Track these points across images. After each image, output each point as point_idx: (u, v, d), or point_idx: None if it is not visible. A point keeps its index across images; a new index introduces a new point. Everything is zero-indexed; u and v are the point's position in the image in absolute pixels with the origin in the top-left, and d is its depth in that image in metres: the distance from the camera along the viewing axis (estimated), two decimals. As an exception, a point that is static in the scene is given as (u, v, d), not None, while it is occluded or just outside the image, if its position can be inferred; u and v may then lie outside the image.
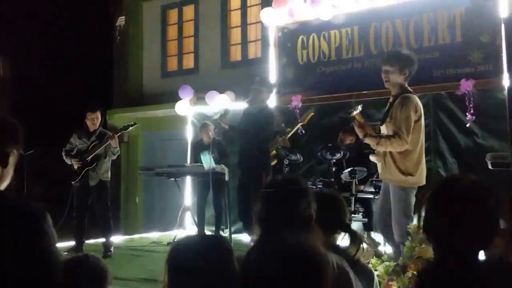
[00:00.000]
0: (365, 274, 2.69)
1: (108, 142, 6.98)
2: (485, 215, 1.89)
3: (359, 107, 5.07)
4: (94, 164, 7.02)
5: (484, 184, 2.01)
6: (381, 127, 5.00)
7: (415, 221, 4.67)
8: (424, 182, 4.96)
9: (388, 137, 4.74)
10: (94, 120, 7.11)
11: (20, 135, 1.81)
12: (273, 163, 7.36)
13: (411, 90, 4.94)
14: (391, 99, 4.99)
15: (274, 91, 6.96)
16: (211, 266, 1.97)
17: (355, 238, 2.70)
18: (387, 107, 5.01)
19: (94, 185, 7.07)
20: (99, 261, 2.47)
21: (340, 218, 2.77)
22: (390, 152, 4.83)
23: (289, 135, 7.48)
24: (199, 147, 8.18)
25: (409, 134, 4.70)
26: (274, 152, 7.37)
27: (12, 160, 1.76)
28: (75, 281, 2.19)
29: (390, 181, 4.88)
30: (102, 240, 7.23)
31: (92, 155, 6.99)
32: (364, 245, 2.84)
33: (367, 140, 4.89)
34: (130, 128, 7.40)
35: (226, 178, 6.91)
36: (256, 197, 2.50)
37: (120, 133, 7.24)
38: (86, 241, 7.35)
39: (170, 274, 2.01)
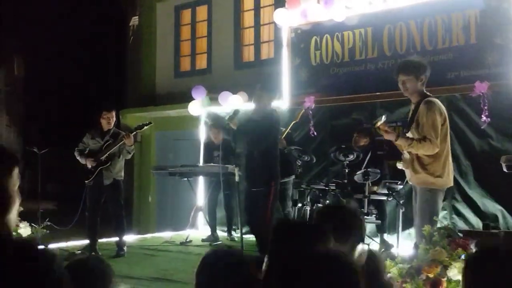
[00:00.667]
0: None
1: (122, 142, 7.01)
2: None
3: (383, 117, 5.08)
4: (109, 163, 7.05)
5: None
6: (406, 134, 5.00)
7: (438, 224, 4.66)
8: (451, 184, 5.01)
9: (419, 140, 4.76)
10: (109, 120, 7.15)
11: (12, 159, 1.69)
12: None
13: (431, 94, 4.95)
14: (412, 106, 5.01)
15: (277, 95, 6.84)
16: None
17: (375, 261, 2.66)
18: (410, 114, 5.02)
19: (108, 184, 7.11)
20: (102, 262, 2.47)
21: (361, 237, 2.72)
22: (418, 157, 4.86)
23: (284, 134, 7.44)
24: (209, 147, 8.21)
25: (438, 138, 4.74)
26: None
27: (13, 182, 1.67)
28: (78, 283, 2.20)
29: (419, 184, 4.90)
30: (115, 239, 7.26)
31: (106, 154, 7.03)
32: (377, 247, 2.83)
33: (399, 142, 4.88)
34: (145, 127, 7.42)
35: (236, 178, 6.87)
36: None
37: (135, 132, 7.27)
38: (99, 240, 7.39)
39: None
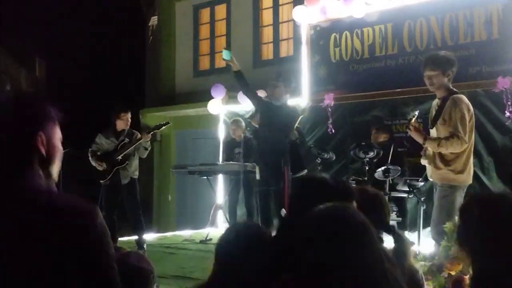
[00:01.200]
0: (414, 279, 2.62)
1: (139, 142, 7.08)
2: None
3: (417, 113, 5.02)
4: (125, 163, 7.11)
5: None
6: (431, 130, 4.93)
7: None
8: (471, 181, 4.95)
9: (447, 138, 4.70)
10: (128, 121, 7.24)
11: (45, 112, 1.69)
12: None
13: (457, 90, 4.88)
14: (438, 102, 4.94)
15: (293, 87, 6.98)
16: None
17: (401, 241, 2.63)
18: (435, 110, 4.95)
19: (126, 183, 7.16)
20: (142, 258, 2.47)
21: (384, 219, 2.70)
22: (440, 153, 4.80)
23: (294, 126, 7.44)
24: (230, 144, 8.22)
25: (466, 133, 4.69)
26: None
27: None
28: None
29: (440, 180, 4.85)
30: (135, 237, 7.30)
31: (123, 154, 7.08)
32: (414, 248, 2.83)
33: (427, 144, 4.81)
34: (163, 127, 7.48)
35: (257, 176, 6.89)
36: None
37: (153, 132, 7.32)
38: (119, 239, 7.44)
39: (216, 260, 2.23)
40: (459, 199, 4.83)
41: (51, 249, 1.44)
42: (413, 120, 4.90)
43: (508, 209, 1.92)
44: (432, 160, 4.89)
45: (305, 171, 7.51)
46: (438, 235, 4.61)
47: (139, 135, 7.20)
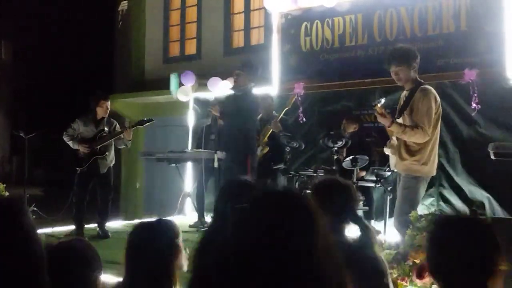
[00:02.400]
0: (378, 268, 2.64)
1: (119, 136, 7.09)
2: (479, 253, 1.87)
3: (383, 100, 5.04)
4: (105, 154, 7.09)
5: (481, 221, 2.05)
6: (397, 119, 4.97)
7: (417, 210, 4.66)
8: (434, 173, 5.00)
9: (412, 127, 4.74)
10: (107, 108, 7.21)
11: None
12: (265, 150, 7.35)
13: (424, 82, 4.92)
14: (405, 93, 4.97)
15: (258, 74, 6.90)
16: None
17: (367, 231, 2.64)
18: (402, 100, 4.98)
19: (104, 172, 7.15)
20: (88, 246, 2.45)
21: (351, 207, 2.72)
22: (405, 143, 4.85)
23: (278, 118, 7.44)
24: (208, 129, 8.07)
25: (430, 126, 4.73)
26: (265, 140, 7.37)
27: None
28: (62, 266, 2.17)
29: (404, 171, 4.89)
30: (99, 222, 7.23)
31: (102, 144, 7.05)
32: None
33: (392, 127, 4.81)
34: (147, 124, 7.44)
35: (215, 164, 6.85)
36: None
37: (135, 127, 7.28)
38: (86, 226, 7.38)
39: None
40: (422, 190, 4.90)
41: None
42: (378, 106, 4.92)
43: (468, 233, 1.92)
44: (397, 150, 4.93)
45: (282, 164, 7.51)
46: (401, 225, 4.67)
47: (118, 126, 7.17)
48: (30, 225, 1.57)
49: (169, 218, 8.01)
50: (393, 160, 5.09)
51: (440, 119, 4.93)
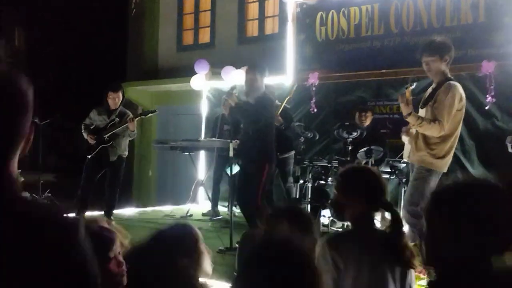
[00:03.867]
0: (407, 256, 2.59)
1: (126, 124, 7.12)
2: (491, 218, 1.62)
3: (414, 84, 5.01)
4: (110, 143, 7.15)
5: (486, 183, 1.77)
6: (420, 109, 4.94)
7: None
8: (446, 170, 4.95)
9: (429, 121, 4.72)
10: (115, 100, 7.29)
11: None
12: None
13: (453, 78, 4.88)
14: (434, 85, 4.93)
15: (267, 73, 6.60)
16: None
17: (398, 221, 2.61)
18: (429, 92, 4.95)
19: (114, 160, 7.21)
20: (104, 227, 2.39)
21: (382, 195, 2.69)
22: (424, 135, 4.82)
23: (279, 111, 7.33)
24: (222, 120, 7.99)
25: (448, 122, 4.70)
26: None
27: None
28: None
29: (418, 162, 4.86)
30: (105, 211, 7.23)
31: (110, 133, 7.14)
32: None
33: (409, 119, 4.80)
34: (150, 114, 7.62)
35: (230, 153, 6.72)
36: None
37: (138, 118, 7.35)
38: (87, 213, 7.42)
39: None
40: (433, 183, 4.84)
41: (26, 269, 1.26)
42: (409, 89, 4.87)
43: (482, 200, 1.68)
44: (414, 139, 4.91)
45: (292, 152, 7.48)
46: (409, 215, 4.66)
47: (130, 116, 7.21)
48: (86, 248, 1.39)
49: (182, 206, 7.97)
50: (407, 149, 5.07)
51: (462, 118, 4.89)
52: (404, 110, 4.85)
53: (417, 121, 4.77)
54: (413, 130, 4.94)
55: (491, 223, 1.62)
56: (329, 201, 2.99)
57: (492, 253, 1.61)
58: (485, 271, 1.60)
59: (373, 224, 2.71)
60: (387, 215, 2.64)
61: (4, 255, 1.25)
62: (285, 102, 7.54)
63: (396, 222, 2.60)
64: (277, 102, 7.52)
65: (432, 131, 4.73)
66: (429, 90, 5.00)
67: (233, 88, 6.33)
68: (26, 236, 1.28)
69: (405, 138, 5.09)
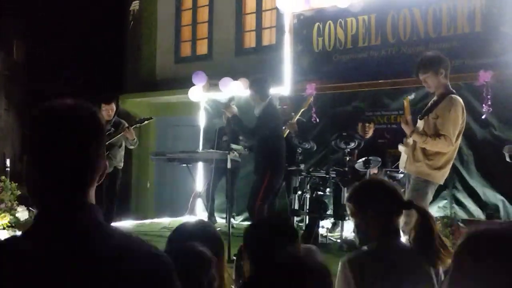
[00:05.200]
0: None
1: (121, 134, 7.05)
2: None
3: (413, 95, 5.04)
4: (106, 153, 7.07)
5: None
6: (419, 120, 4.94)
7: (431, 213, 4.62)
8: (443, 182, 4.97)
9: (434, 137, 4.70)
10: (109, 112, 7.19)
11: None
12: None
13: (454, 91, 4.88)
14: (435, 98, 4.92)
15: (266, 83, 6.74)
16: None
17: (424, 215, 2.48)
18: (429, 104, 4.95)
19: (109, 171, 7.14)
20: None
21: (396, 199, 2.57)
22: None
23: (295, 119, 7.40)
24: (222, 131, 8.00)
25: (455, 136, 4.71)
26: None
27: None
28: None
29: (415, 173, 4.85)
30: None
31: (106, 143, 7.07)
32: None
33: (414, 137, 4.82)
34: (146, 122, 7.54)
35: (228, 165, 6.78)
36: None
37: (135, 126, 7.30)
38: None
39: None
40: (430, 195, 4.87)
41: None
42: (408, 98, 4.92)
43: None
44: (411, 150, 4.89)
45: (302, 165, 7.44)
46: (406, 226, 4.62)
47: (126, 125, 7.17)
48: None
49: (181, 218, 7.92)
50: (403, 159, 5.05)
51: (462, 130, 4.89)
52: (406, 130, 4.89)
53: (421, 138, 4.76)
54: (410, 140, 4.92)
55: None
56: (353, 230, 2.84)
57: None
58: None
59: (399, 237, 2.56)
60: (409, 216, 2.56)
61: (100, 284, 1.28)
62: (299, 114, 7.52)
63: (423, 216, 2.47)
64: (292, 114, 7.54)
65: (440, 146, 4.71)
66: (431, 102, 4.99)
67: (230, 99, 6.37)
68: (123, 267, 1.31)
69: (401, 148, 5.07)
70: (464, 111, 4.82)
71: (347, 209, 2.71)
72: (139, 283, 1.31)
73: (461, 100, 4.80)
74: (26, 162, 1.40)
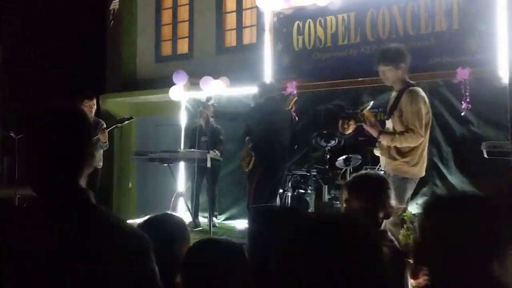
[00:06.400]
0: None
1: (97, 136, 6.96)
2: (478, 232, 1.64)
3: (371, 103, 5.06)
4: None
5: (478, 196, 1.82)
6: (387, 121, 4.95)
7: (410, 209, 4.66)
8: (424, 174, 4.97)
9: (402, 133, 4.72)
10: (91, 108, 7.11)
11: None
12: None
13: (413, 83, 4.91)
14: (394, 94, 4.96)
15: (263, 83, 6.90)
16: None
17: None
18: (392, 102, 4.97)
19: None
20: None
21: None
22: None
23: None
24: (197, 132, 8.03)
25: (422, 127, 4.72)
26: None
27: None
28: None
29: (393, 171, 4.85)
30: None
31: None
32: None
33: (382, 138, 4.84)
34: (126, 121, 7.45)
35: (208, 164, 6.81)
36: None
37: (115, 126, 7.24)
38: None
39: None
40: (410, 190, 4.90)
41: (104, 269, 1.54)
42: (366, 110, 4.92)
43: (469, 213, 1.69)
44: (387, 151, 4.91)
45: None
46: (390, 225, 4.66)
47: (103, 126, 7.10)
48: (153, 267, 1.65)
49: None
50: (383, 160, 5.08)
51: (430, 121, 4.91)
52: (373, 132, 4.88)
53: (389, 137, 4.78)
54: (384, 142, 4.93)
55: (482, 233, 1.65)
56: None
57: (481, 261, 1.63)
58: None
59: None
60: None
61: (82, 253, 1.53)
62: None
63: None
64: None
65: (409, 141, 4.72)
66: (391, 99, 5.01)
67: (208, 99, 6.38)
68: (102, 239, 1.57)
69: (377, 152, 5.08)
70: (426, 100, 4.83)
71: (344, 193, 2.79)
72: (121, 255, 1.56)
73: (420, 90, 4.83)
74: (27, 160, 1.71)
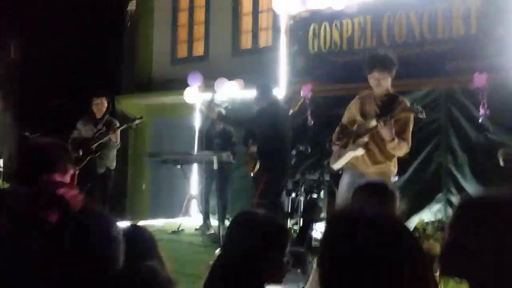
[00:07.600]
0: None
1: (108, 136, 6.99)
2: None
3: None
4: (98, 153, 7.01)
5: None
6: (374, 121, 4.75)
7: (424, 216, 4.59)
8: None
9: (401, 140, 4.61)
10: (99, 106, 7.12)
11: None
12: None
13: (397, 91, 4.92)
14: (383, 98, 4.83)
15: (266, 86, 6.85)
16: None
17: None
18: (379, 106, 4.83)
19: (102, 172, 7.09)
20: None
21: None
22: (379, 147, 4.71)
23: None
24: (211, 134, 8.00)
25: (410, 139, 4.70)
26: None
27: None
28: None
29: (378, 175, 4.64)
30: None
31: (98, 143, 6.99)
32: None
33: (384, 129, 4.64)
34: (137, 121, 7.42)
35: (215, 166, 6.75)
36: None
37: (124, 127, 7.24)
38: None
39: None
40: None
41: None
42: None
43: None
44: (367, 153, 4.73)
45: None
46: None
47: (116, 125, 7.12)
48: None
49: (176, 219, 7.94)
50: (359, 161, 4.84)
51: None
52: (388, 136, 4.54)
53: (392, 136, 4.55)
54: (363, 139, 4.75)
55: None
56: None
57: None
58: None
59: None
60: None
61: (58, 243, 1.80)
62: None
63: None
64: None
65: (403, 151, 4.68)
66: (379, 104, 4.83)
67: (210, 101, 6.38)
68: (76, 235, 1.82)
69: (361, 151, 4.79)
70: None
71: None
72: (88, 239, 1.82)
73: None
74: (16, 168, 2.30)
